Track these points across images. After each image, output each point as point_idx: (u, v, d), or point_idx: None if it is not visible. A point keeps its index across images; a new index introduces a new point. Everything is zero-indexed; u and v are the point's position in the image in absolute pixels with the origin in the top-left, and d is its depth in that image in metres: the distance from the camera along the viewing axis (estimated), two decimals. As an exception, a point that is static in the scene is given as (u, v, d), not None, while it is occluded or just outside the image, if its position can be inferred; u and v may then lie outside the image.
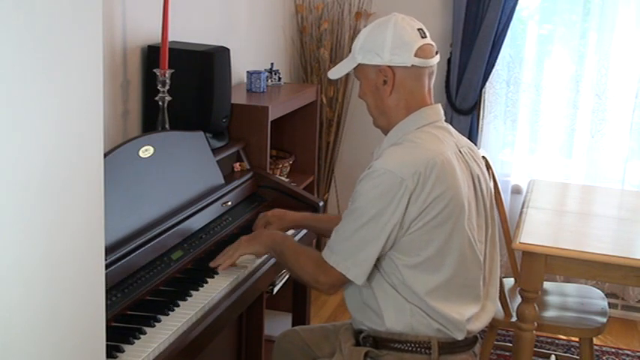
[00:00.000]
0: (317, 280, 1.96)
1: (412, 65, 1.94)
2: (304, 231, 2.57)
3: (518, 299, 2.70)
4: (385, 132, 2.02)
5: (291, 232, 2.50)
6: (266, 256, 2.26)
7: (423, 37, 1.96)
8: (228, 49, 2.70)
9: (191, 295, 2.01)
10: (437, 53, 2.00)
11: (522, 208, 2.94)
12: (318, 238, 3.74)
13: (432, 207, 1.85)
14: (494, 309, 2.06)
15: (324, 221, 2.44)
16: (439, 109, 2.02)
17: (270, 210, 2.46)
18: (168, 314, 1.90)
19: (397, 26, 1.94)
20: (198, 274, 2.14)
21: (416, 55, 1.93)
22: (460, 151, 1.98)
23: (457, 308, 1.92)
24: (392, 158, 1.89)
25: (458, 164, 1.93)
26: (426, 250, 1.88)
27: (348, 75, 3.94)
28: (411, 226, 1.86)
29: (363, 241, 1.87)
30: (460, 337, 1.93)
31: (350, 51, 2.06)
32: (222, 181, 2.60)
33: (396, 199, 1.83)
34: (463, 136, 2.10)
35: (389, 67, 1.94)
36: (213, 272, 2.15)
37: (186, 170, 2.43)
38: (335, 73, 2.09)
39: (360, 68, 2.00)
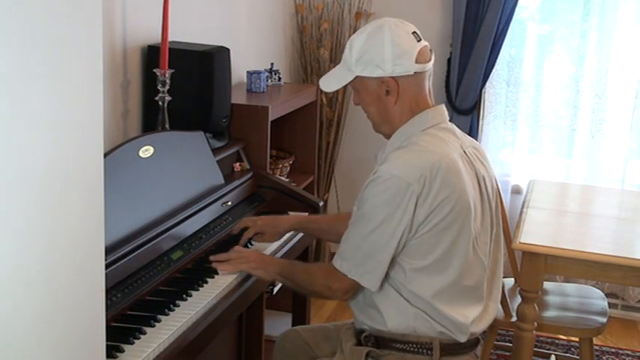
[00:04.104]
0: (330, 287, 1.95)
1: (414, 72, 1.91)
2: (300, 235, 2.54)
3: (518, 299, 2.70)
4: (387, 137, 2.00)
5: (286, 236, 2.48)
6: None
7: (418, 41, 1.93)
8: (228, 49, 2.70)
9: (191, 295, 2.01)
10: (431, 52, 1.98)
11: (522, 208, 2.94)
12: (317, 246, 3.74)
13: (438, 210, 1.84)
14: (496, 309, 2.06)
15: (320, 222, 2.42)
16: (443, 111, 2.00)
17: (257, 217, 2.40)
18: (168, 314, 1.89)
19: (393, 34, 1.89)
20: (198, 274, 2.14)
21: (416, 61, 1.91)
22: (465, 152, 1.97)
23: (461, 310, 1.91)
24: (397, 162, 1.87)
25: (463, 166, 1.92)
26: (434, 252, 1.87)
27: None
28: (418, 229, 1.85)
29: (373, 247, 1.87)
30: (463, 339, 1.92)
31: None
32: (222, 181, 2.60)
33: (403, 203, 1.82)
34: (468, 136, 2.08)
35: (392, 77, 1.91)
36: (213, 272, 2.15)
37: (186, 170, 2.43)
38: (328, 84, 2.02)
39: (358, 80, 1.95)
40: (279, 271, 2.09)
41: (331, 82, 2.03)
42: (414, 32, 1.94)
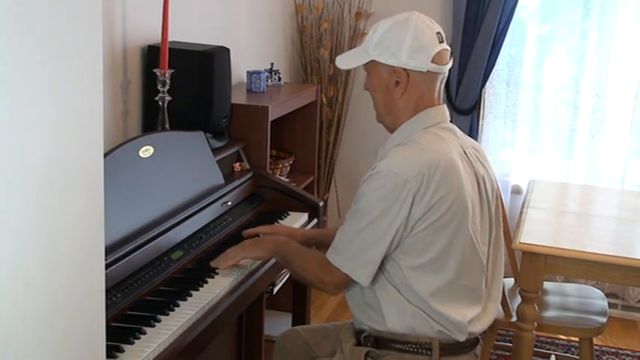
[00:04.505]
0: (322, 280, 1.96)
1: (428, 71, 1.92)
2: None
3: (518, 299, 2.70)
4: (389, 129, 2.01)
5: None
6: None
7: (440, 42, 1.94)
8: (228, 49, 2.70)
9: (191, 295, 2.01)
10: (451, 57, 1.98)
11: (522, 208, 2.94)
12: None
13: (435, 208, 1.84)
14: (496, 311, 2.06)
15: (333, 235, 2.42)
16: (444, 110, 2.01)
17: (277, 225, 2.45)
18: (168, 314, 1.89)
19: (417, 28, 1.91)
20: (198, 274, 2.14)
21: (433, 60, 1.91)
22: (465, 152, 1.97)
23: (459, 310, 1.91)
24: (396, 159, 1.88)
25: (462, 166, 1.92)
26: (430, 251, 1.87)
27: (348, 74, 3.95)
28: (414, 227, 1.85)
29: (367, 242, 1.87)
30: (462, 338, 1.93)
31: (355, 46, 2.02)
32: (222, 181, 2.61)
33: (399, 200, 1.83)
34: (468, 137, 2.09)
35: (404, 69, 1.92)
36: (213, 272, 2.15)
37: (186, 170, 2.43)
38: (344, 63, 2.04)
39: (372, 64, 1.97)
40: (275, 248, 2.11)
41: (347, 60, 2.05)
42: (438, 33, 1.95)
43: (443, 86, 2.00)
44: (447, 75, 1.99)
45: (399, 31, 1.92)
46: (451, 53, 2.00)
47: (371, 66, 1.98)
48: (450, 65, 1.97)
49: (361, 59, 1.99)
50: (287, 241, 2.14)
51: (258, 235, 2.33)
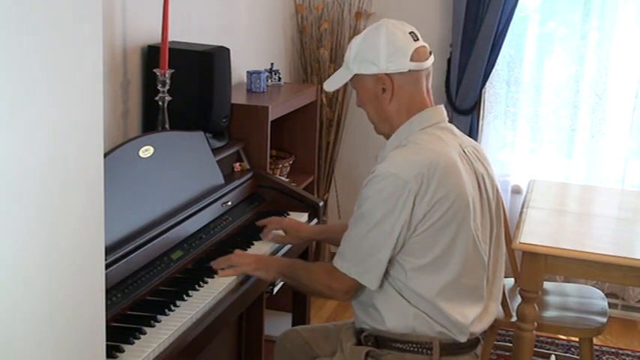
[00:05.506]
0: (331, 287, 1.96)
1: (409, 70, 1.93)
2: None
3: (518, 299, 2.70)
4: (388, 138, 2.02)
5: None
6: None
7: (415, 40, 1.95)
8: (228, 49, 2.70)
9: (191, 295, 2.01)
10: (431, 54, 1.99)
11: (522, 208, 2.94)
12: (317, 246, 3.74)
13: (436, 208, 1.84)
14: (496, 310, 2.06)
15: (341, 231, 2.43)
16: (442, 110, 2.01)
17: (284, 217, 2.45)
18: (168, 314, 1.89)
19: (389, 32, 1.93)
20: (198, 274, 2.14)
21: (411, 59, 1.93)
22: (464, 151, 1.98)
23: (461, 310, 1.91)
24: (395, 161, 1.88)
25: (462, 164, 1.92)
26: (433, 250, 1.87)
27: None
28: (417, 227, 1.86)
29: (372, 245, 1.87)
30: (463, 339, 1.93)
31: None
32: (222, 181, 2.61)
33: (401, 201, 1.83)
34: (467, 137, 2.09)
35: (386, 74, 1.93)
36: (213, 272, 2.15)
37: (186, 170, 2.43)
38: (330, 85, 2.07)
39: (356, 78, 1.99)
40: (280, 270, 2.11)
41: (332, 82, 2.07)
42: (411, 32, 1.96)
43: (430, 83, 2.01)
44: (431, 71, 2.00)
45: (373, 40, 1.94)
46: (430, 51, 2.00)
47: (356, 81, 2.00)
48: (431, 61, 1.98)
49: (345, 77, 2.02)
50: (292, 261, 2.18)
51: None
